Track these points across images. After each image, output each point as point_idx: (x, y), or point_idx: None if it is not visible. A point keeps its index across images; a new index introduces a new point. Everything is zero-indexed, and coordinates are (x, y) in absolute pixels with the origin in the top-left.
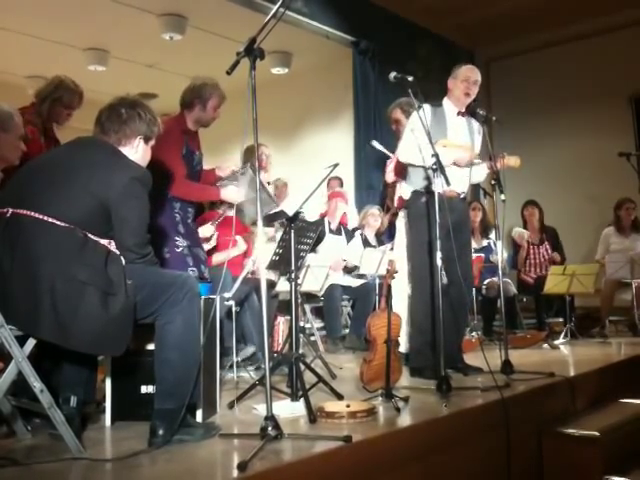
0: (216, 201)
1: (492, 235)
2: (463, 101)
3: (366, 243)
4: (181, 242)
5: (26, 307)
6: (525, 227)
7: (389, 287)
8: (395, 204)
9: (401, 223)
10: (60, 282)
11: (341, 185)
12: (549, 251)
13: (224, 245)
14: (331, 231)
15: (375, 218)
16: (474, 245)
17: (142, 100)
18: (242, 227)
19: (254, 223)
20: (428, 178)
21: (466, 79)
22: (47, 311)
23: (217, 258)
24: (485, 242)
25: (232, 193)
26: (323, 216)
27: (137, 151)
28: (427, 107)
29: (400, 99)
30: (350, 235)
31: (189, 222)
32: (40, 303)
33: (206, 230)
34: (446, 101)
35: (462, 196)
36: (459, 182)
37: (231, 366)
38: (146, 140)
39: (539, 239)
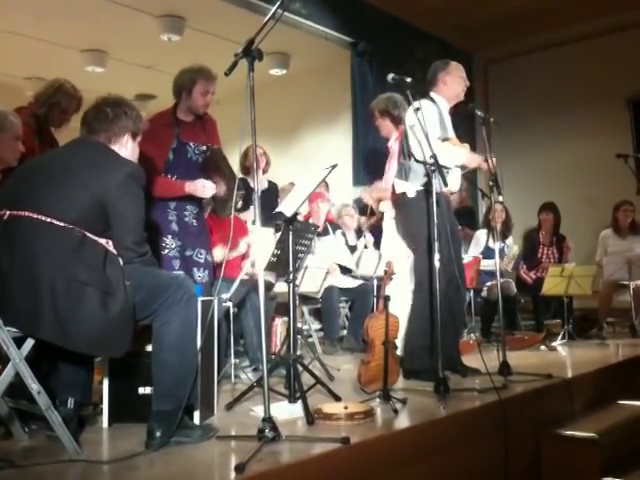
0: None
1: (508, 240)
2: (460, 98)
3: (345, 243)
4: (170, 244)
5: (26, 307)
6: (539, 229)
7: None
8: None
9: (390, 223)
10: (60, 282)
11: (327, 187)
12: (555, 254)
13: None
14: (317, 234)
15: (351, 216)
16: (491, 245)
17: (125, 98)
18: (242, 227)
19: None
20: (428, 176)
21: (463, 77)
22: (47, 311)
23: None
24: (501, 244)
25: (197, 187)
26: (307, 219)
27: (126, 148)
28: (427, 102)
29: (379, 98)
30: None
31: (187, 220)
32: (41, 303)
33: (218, 253)
34: (437, 96)
35: (452, 196)
36: (453, 181)
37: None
38: (134, 136)
39: (549, 241)
